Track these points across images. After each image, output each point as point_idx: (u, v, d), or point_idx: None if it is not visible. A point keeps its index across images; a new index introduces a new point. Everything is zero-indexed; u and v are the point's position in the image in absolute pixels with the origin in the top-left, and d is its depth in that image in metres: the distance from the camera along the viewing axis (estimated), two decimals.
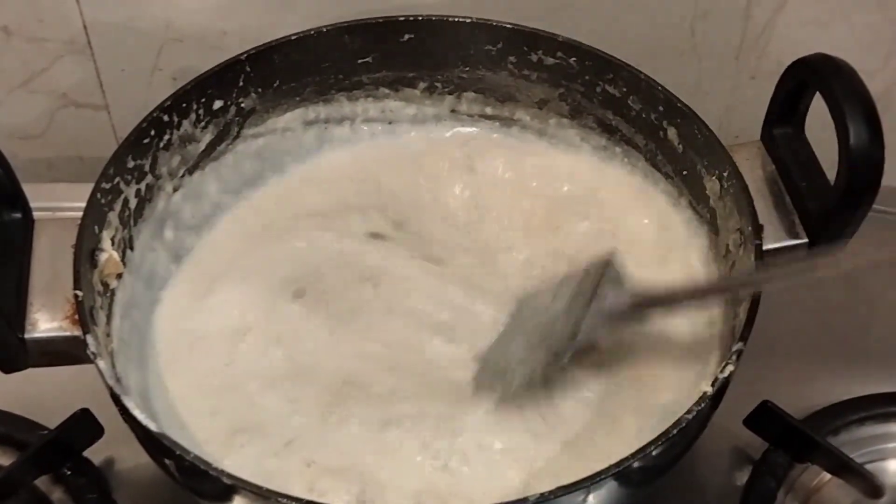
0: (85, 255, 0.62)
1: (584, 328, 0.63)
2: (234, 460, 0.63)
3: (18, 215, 0.64)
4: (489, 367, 0.67)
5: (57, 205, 0.87)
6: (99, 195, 0.65)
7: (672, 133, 0.73)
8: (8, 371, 0.62)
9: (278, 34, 0.75)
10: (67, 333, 0.61)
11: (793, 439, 0.71)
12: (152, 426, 0.56)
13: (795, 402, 0.73)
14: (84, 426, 0.69)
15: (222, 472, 0.54)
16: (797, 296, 0.80)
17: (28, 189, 0.89)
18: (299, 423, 0.65)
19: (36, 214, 0.86)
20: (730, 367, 0.58)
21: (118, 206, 0.67)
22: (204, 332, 0.70)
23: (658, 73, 0.73)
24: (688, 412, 0.57)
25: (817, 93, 0.66)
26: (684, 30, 0.88)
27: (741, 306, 0.62)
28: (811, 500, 0.71)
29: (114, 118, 0.93)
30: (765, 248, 0.64)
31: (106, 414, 0.68)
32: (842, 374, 0.77)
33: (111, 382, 0.57)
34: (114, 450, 0.72)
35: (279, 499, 0.53)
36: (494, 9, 0.77)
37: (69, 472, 0.70)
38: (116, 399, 0.57)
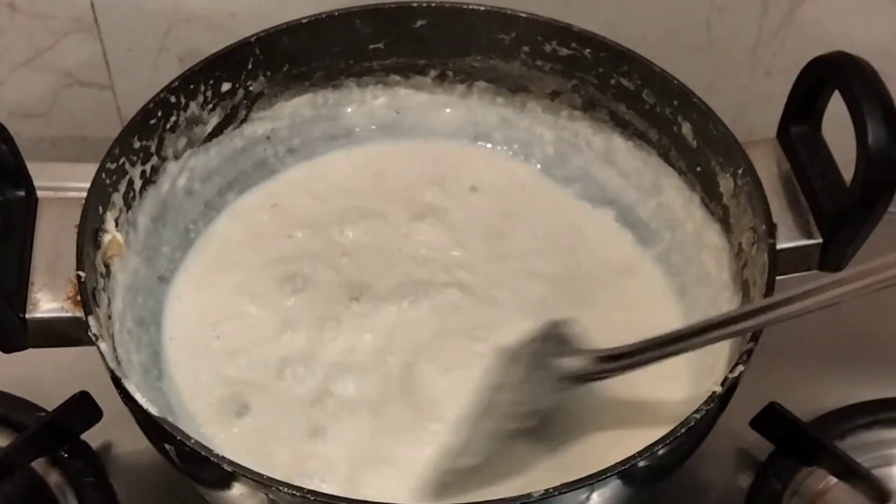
0: (88, 235, 0.62)
1: (536, 399, 0.62)
2: (235, 442, 0.63)
3: (22, 193, 0.63)
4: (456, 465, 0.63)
5: (60, 184, 0.86)
6: (104, 175, 0.64)
7: (686, 128, 0.72)
8: (8, 351, 0.61)
9: (287, 17, 0.74)
10: (69, 314, 0.60)
11: (799, 442, 0.71)
12: (153, 410, 0.55)
13: (803, 405, 0.72)
14: (82, 409, 0.69)
15: (223, 458, 0.53)
16: None
17: (31, 168, 0.89)
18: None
19: (40, 194, 0.86)
20: (740, 367, 0.57)
21: (123, 187, 0.66)
22: (214, 315, 0.70)
23: (672, 67, 0.72)
24: (696, 411, 0.56)
25: (835, 92, 0.65)
26: (700, 24, 0.87)
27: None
28: None
29: (119, 98, 0.93)
30: (778, 247, 0.63)
31: (105, 397, 0.67)
32: (850, 378, 0.77)
33: (112, 365, 0.57)
34: (112, 433, 0.72)
35: (279, 487, 0.52)
36: None
37: (66, 455, 0.70)
38: (117, 382, 0.57)
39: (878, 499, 0.68)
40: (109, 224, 0.65)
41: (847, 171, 0.65)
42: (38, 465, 0.70)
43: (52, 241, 0.62)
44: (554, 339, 0.63)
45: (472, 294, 0.71)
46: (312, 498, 0.51)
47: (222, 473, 0.53)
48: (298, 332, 0.69)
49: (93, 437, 0.71)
